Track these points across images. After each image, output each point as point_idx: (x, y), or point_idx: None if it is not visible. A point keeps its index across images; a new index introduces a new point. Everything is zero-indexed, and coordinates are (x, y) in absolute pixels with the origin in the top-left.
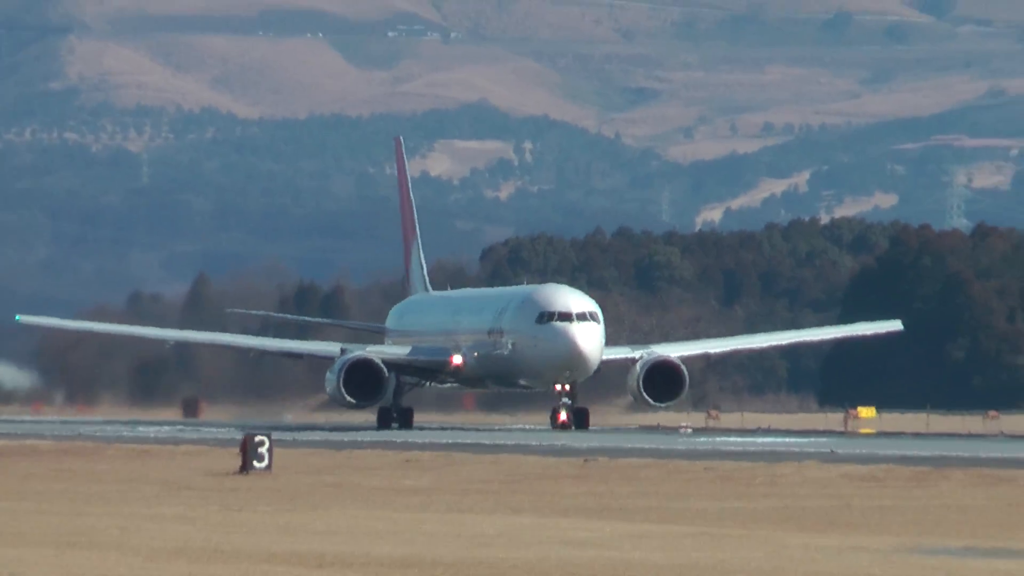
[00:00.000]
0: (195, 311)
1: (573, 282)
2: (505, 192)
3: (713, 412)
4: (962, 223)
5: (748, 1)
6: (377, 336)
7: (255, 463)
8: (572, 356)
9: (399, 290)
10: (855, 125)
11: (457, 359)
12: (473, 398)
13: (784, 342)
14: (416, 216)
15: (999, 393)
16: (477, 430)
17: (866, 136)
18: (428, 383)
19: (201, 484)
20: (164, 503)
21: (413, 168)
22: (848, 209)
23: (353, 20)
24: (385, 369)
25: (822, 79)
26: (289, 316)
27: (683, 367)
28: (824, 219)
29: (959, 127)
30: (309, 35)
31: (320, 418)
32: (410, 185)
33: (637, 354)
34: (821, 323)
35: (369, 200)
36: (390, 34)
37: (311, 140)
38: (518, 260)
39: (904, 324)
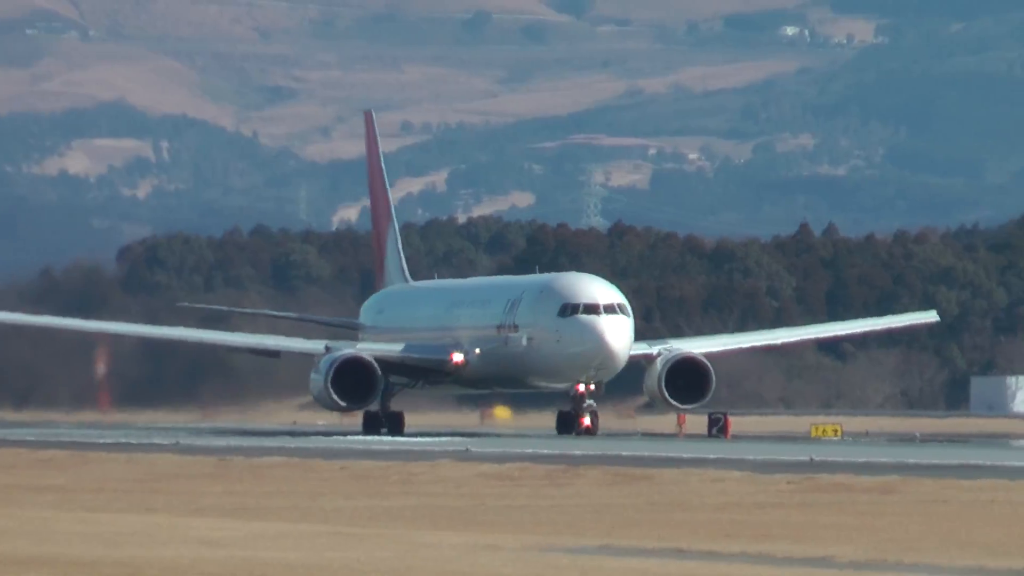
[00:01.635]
0: None
1: (210, 281)
2: (143, 191)
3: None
4: (599, 222)
5: (387, 0)
6: (347, 333)
7: None
8: (600, 353)
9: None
10: (493, 124)
11: (458, 357)
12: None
13: (820, 335)
14: (391, 198)
15: None
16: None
17: (504, 135)
18: (420, 384)
19: None
20: None
21: (50, 167)
22: (486, 208)
23: None
24: (378, 368)
25: (460, 78)
26: (247, 310)
27: (709, 364)
28: (462, 218)
29: (597, 126)
30: None
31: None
32: (383, 166)
33: (655, 350)
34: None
35: (6, 199)
36: (28, 32)
37: None
38: (155, 259)
39: None
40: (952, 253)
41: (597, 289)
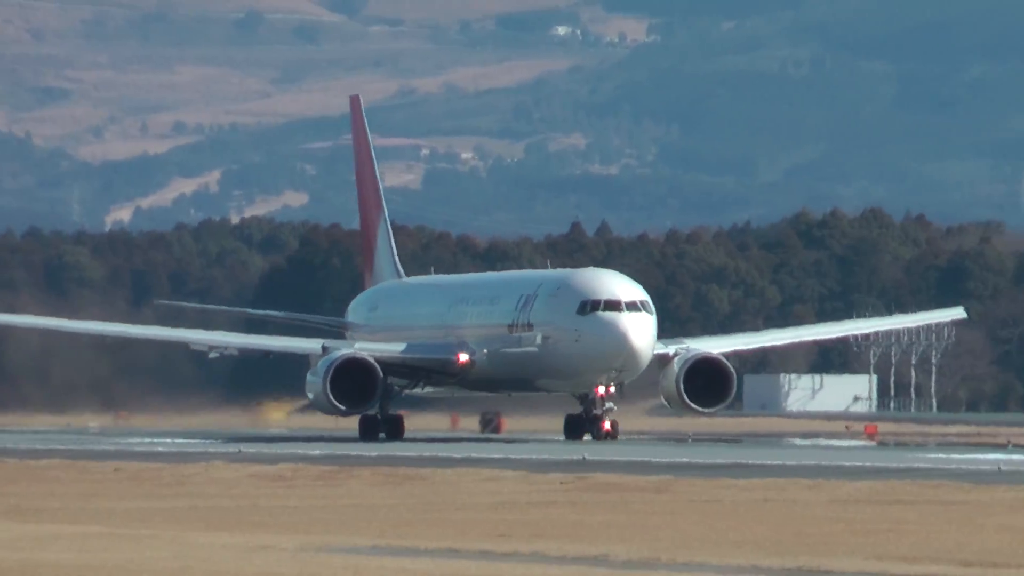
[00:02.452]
0: None
1: None
2: None
3: (123, 413)
4: None
5: (158, 0)
6: (334, 333)
7: None
8: (623, 353)
9: None
10: (266, 125)
11: (464, 357)
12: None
13: (835, 334)
14: (383, 190)
15: None
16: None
17: (277, 136)
18: (421, 387)
19: None
20: None
21: None
22: (259, 209)
23: None
24: (379, 370)
25: (233, 79)
26: (225, 307)
27: (729, 365)
28: (235, 219)
29: (369, 126)
30: None
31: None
32: (373, 154)
33: (671, 349)
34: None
35: None
36: None
37: None
38: None
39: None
40: (724, 252)
41: (618, 285)
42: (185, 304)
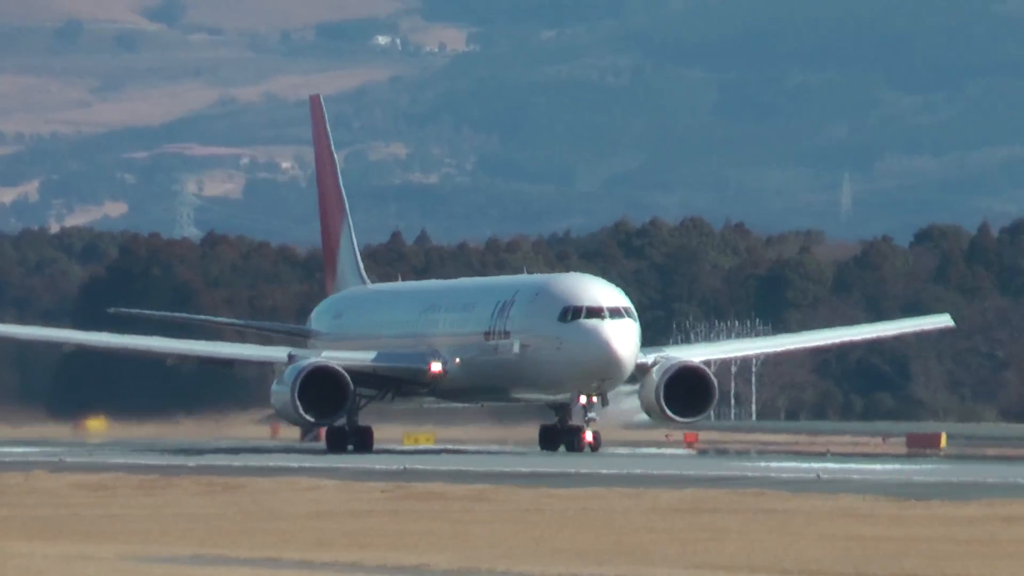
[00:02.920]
0: None
1: None
2: None
3: None
4: (192, 232)
5: None
6: (295, 341)
7: None
8: (606, 361)
9: None
10: (86, 134)
11: (437, 367)
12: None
13: (824, 342)
14: (344, 192)
15: None
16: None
17: (96, 145)
18: (390, 397)
19: None
20: None
21: None
22: (79, 218)
23: None
24: (349, 379)
25: (52, 87)
26: (180, 315)
27: (711, 374)
28: (55, 228)
29: (189, 135)
30: None
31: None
32: (335, 156)
33: (650, 358)
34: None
35: None
36: None
37: None
38: None
39: None
40: (544, 260)
41: (600, 291)
42: (139, 312)
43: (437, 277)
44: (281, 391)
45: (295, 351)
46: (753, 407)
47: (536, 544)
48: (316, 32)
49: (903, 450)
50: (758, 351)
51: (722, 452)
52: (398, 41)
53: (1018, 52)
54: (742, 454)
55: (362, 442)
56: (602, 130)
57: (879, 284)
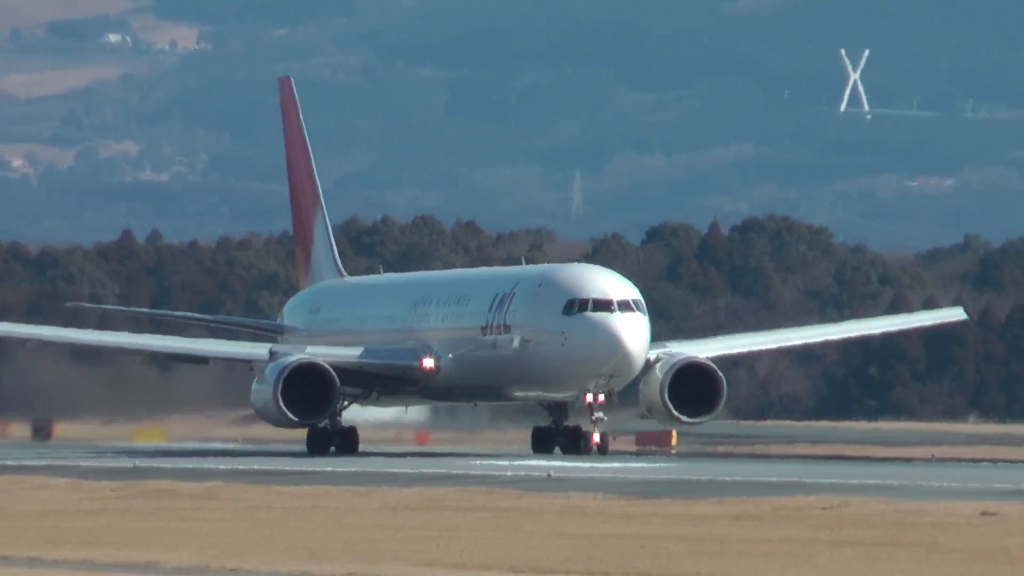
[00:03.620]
0: None
1: None
2: None
3: None
4: None
5: None
6: (263, 338)
7: None
8: (615, 357)
9: None
10: None
11: (429, 363)
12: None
13: (835, 336)
14: (318, 177)
15: None
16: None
17: None
18: (375, 396)
19: None
20: None
21: None
22: None
23: None
24: (336, 377)
25: None
26: (142, 310)
27: (718, 370)
28: None
29: None
30: None
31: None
32: (307, 140)
33: (653, 354)
34: None
35: None
36: None
37: None
38: None
39: None
40: (275, 259)
41: (608, 282)
42: (96, 307)
43: (170, 276)
44: (262, 389)
45: (276, 347)
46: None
47: (266, 542)
48: (47, 30)
49: (633, 448)
50: (761, 347)
51: (455, 453)
52: (129, 39)
53: (748, 52)
54: (475, 455)
55: (347, 443)
56: (334, 129)
57: None
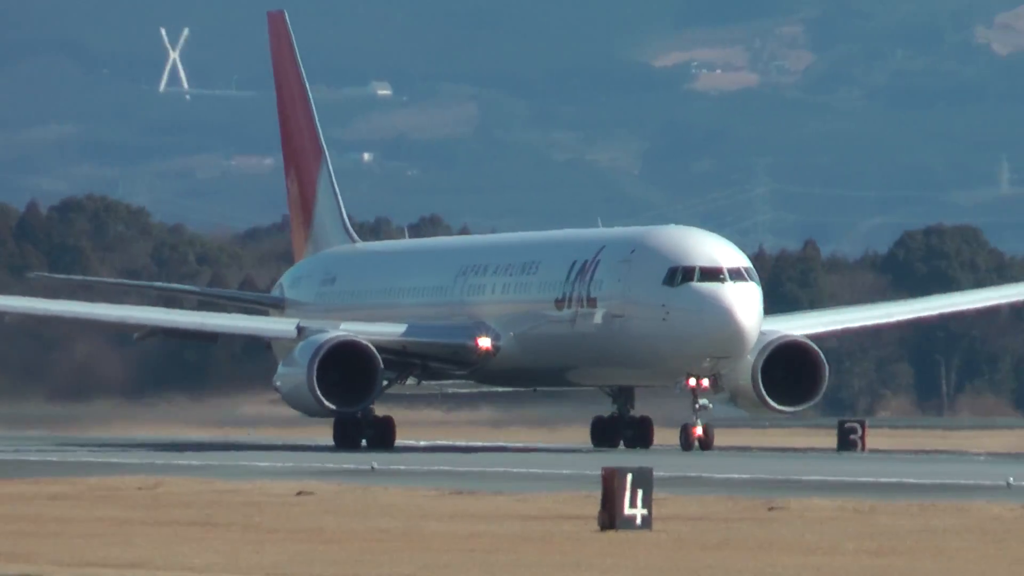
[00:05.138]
0: None
1: None
2: None
3: None
4: None
5: None
6: (259, 312)
7: None
8: (727, 334)
9: None
10: None
11: (485, 342)
12: None
13: (926, 312)
14: (320, 130)
15: None
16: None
17: None
18: (417, 381)
19: None
20: None
21: None
22: None
23: None
24: (379, 358)
25: None
26: (127, 281)
27: (820, 352)
28: None
29: None
30: None
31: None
32: (305, 81)
33: None
34: None
35: None
36: None
37: None
38: None
39: None
40: None
41: (716, 247)
42: (70, 277)
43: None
44: (293, 372)
45: (305, 323)
46: None
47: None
48: None
49: None
50: (865, 323)
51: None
52: None
53: (66, 29)
54: None
55: (382, 436)
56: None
57: None
